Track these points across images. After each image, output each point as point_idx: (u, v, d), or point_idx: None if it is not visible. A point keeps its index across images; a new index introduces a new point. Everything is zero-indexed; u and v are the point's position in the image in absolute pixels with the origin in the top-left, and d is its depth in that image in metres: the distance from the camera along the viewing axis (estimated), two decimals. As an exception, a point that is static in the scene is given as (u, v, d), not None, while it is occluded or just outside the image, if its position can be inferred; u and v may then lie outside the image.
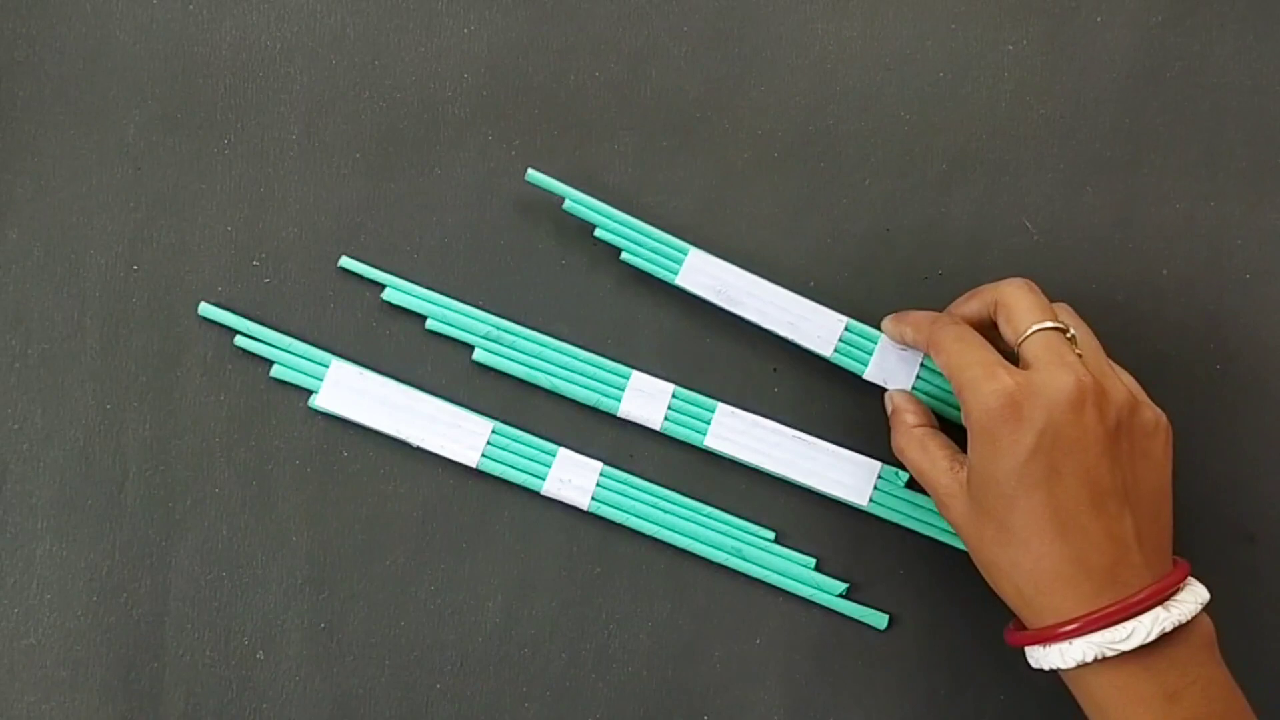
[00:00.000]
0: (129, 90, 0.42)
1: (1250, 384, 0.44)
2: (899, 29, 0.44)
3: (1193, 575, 0.35)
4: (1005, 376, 0.35)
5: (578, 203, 0.42)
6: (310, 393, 0.41)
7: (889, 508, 0.42)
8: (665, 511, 0.42)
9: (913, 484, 0.42)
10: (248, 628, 0.41)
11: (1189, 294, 0.44)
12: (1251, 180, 0.44)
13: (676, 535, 0.41)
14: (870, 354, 0.42)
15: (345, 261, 0.42)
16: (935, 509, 0.40)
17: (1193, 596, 0.34)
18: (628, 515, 0.41)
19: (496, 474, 0.41)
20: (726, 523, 0.42)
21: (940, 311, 0.40)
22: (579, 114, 0.43)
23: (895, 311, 0.41)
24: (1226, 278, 0.44)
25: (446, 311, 0.42)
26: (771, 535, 0.42)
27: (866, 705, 0.42)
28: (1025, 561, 0.34)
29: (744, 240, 0.43)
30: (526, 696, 0.41)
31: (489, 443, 0.41)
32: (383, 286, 0.42)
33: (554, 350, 0.42)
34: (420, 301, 0.42)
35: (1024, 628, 0.36)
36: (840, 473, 0.42)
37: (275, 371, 0.41)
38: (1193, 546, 0.42)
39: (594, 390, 0.42)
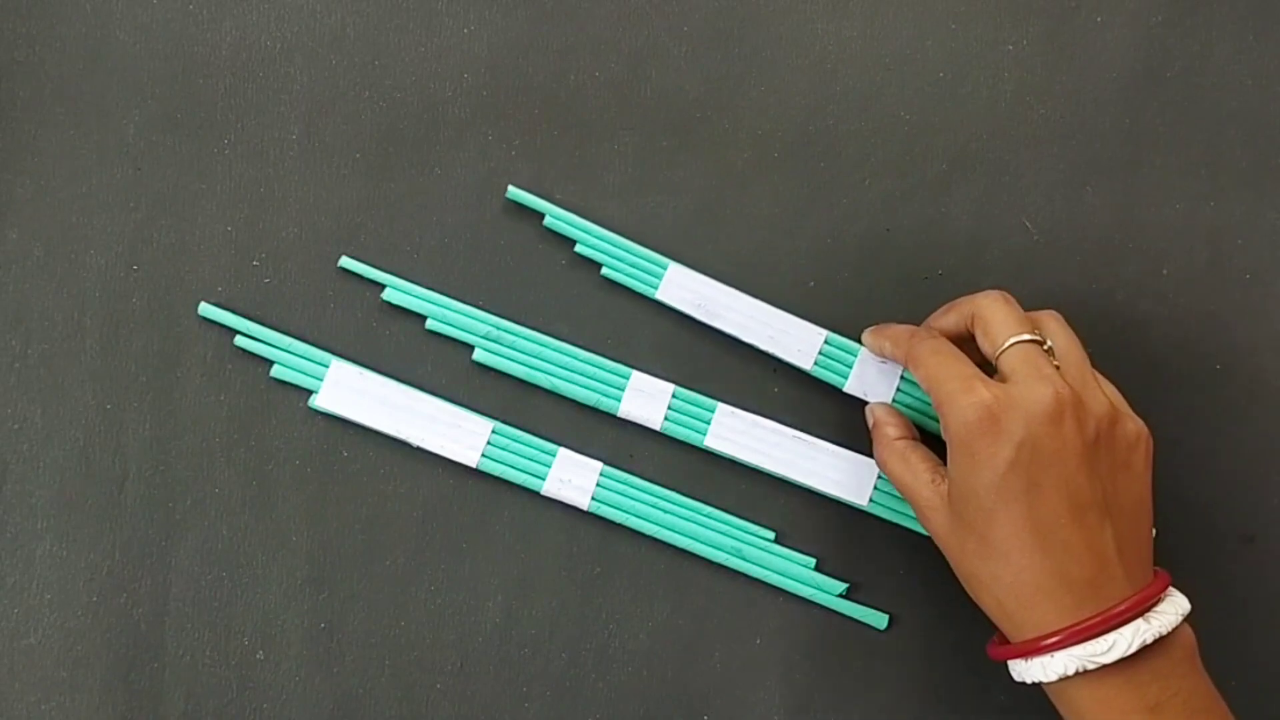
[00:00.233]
0: (129, 90, 0.42)
1: (1250, 384, 0.44)
2: (899, 29, 0.44)
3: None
4: (983, 390, 0.35)
5: (558, 219, 0.42)
6: (310, 393, 0.41)
7: (889, 508, 0.42)
8: (665, 511, 0.42)
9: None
10: (248, 628, 0.41)
11: (1189, 294, 0.44)
12: (1251, 180, 0.44)
13: (676, 535, 0.41)
14: (850, 367, 0.42)
15: (345, 261, 0.42)
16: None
17: (1173, 607, 0.34)
18: (628, 515, 0.41)
19: (496, 474, 0.41)
20: (726, 523, 0.42)
21: (924, 322, 0.40)
22: (579, 114, 0.43)
23: (876, 324, 0.41)
24: (1226, 278, 0.44)
25: (446, 311, 0.42)
26: (771, 535, 0.42)
27: (866, 705, 0.42)
28: (1006, 574, 0.34)
29: (744, 240, 0.43)
30: (526, 696, 0.41)
31: (489, 443, 0.41)
32: (383, 286, 0.42)
33: (554, 350, 0.42)
34: (420, 301, 0.42)
35: (1006, 641, 0.36)
36: (840, 473, 0.42)
37: (275, 371, 0.41)
38: (1192, 547, 0.42)
39: (594, 390, 0.42)
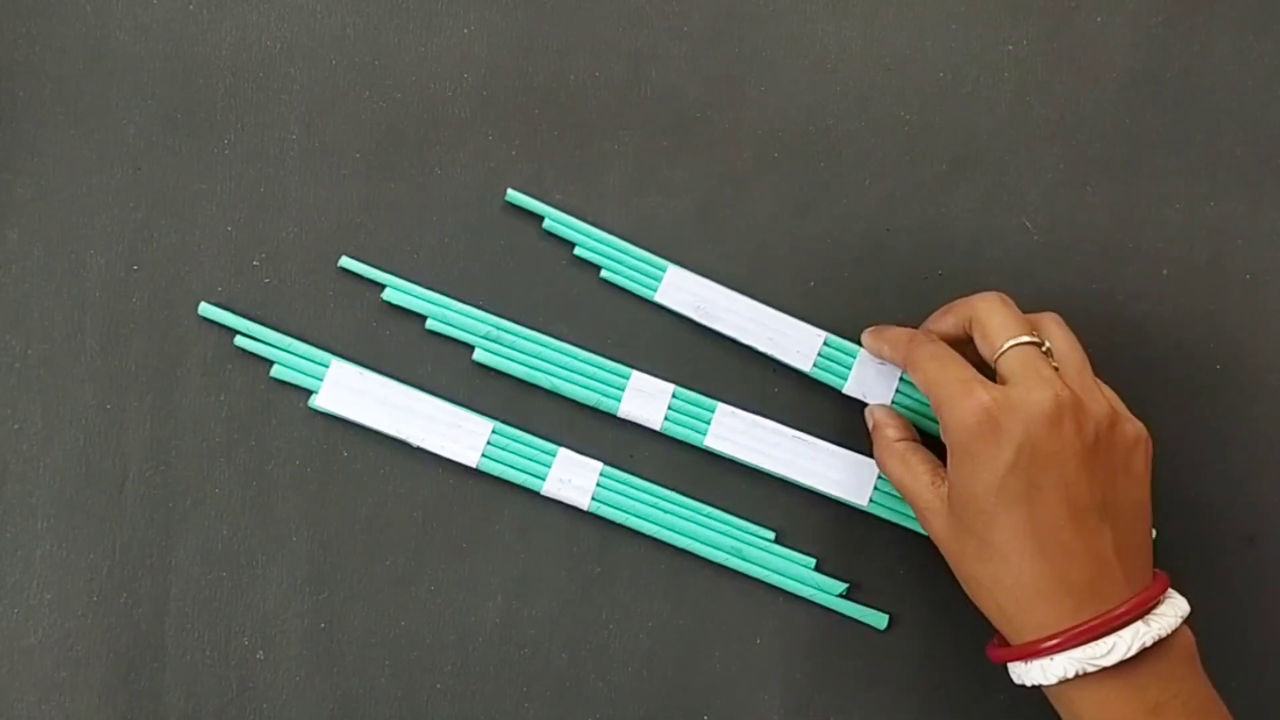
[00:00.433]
0: (129, 90, 0.42)
1: (1250, 384, 0.44)
2: (899, 29, 0.44)
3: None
4: (982, 393, 0.35)
5: (557, 222, 0.42)
6: (310, 393, 0.41)
7: (889, 508, 0.42)
8: (665, 511, 0.42)
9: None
10: (248, 628, 0.41)
11: (1189, 294, 0.44)
12: (1251, 180, 0.44)
13: (676, 535, 0.41)
14: (849, 368, 0.42)
15: (345, 261, 0.42)
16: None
17: (1173, 610, 0.34)
18: (628, 515, 0.41)
19: (496, 474, 0.41)
20: (726, 523, 0.42)
21: (922, 325, 0.40)
22: (579, 114, 0.43)
23: (876, 324, 0.41)
24: (1226, 278, 0.44)
25: (446, 311, 0.42)
26: (771, 535, 0.42)
27: (866, 705, 0.42)
28: (1006, 577, 0.34)
29: (744, 241, 0.43)
30: (526, 696, 0.41)
31: (489, 443, 0.41)
32: (383, 286, 0.42)
33: (554, 350, 0.42)
34: (420, 301, 0.42)
35: (1006, 643, 0.36)
36: (840, 473, 0.42)
37: (275, 371, 0.41)
38: (1193, 548, 0.42)
39: (594, 390, 0.42)
